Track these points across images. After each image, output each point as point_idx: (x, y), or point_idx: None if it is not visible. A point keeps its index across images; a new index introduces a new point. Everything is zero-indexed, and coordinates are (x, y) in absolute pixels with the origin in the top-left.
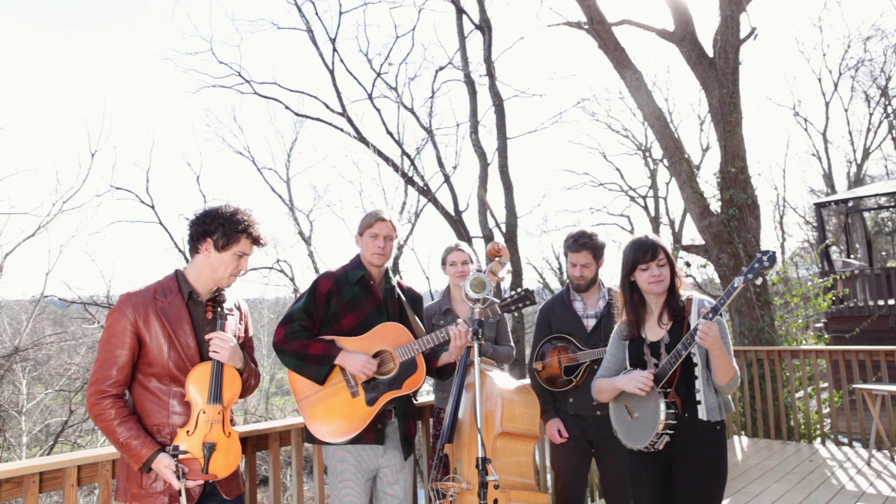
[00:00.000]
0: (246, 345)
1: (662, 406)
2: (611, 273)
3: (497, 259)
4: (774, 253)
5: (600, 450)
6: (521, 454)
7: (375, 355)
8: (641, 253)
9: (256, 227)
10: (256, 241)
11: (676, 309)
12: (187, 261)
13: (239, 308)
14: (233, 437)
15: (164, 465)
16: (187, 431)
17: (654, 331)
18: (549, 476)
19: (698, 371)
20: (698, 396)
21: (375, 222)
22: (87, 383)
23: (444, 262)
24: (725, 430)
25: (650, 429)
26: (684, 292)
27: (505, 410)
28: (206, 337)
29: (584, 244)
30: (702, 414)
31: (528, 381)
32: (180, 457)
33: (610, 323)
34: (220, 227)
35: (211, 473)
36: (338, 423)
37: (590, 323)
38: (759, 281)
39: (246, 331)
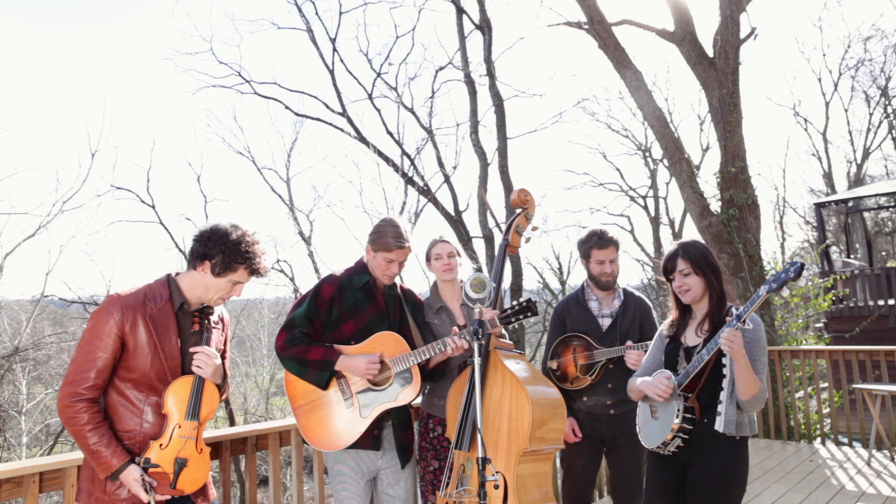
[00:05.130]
0: (223, 356)
1: (679, 409)
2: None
3: (523, 212)
4: (802, 265)
5: (612, 448)
6: (544, 474)
7: None
8: (665, 263)
9: (258, 259)
10: (255, 272)
11: (720, 320)
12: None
13: (222, 319)
14: (204, 454)
15: (133, 477)
16: (160, 444)
17: (693, 336)
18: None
19: (725, 383)
20: (719, 408)
21: (395, 250)
22: (62, 383)
23: (428, 257)
24: (747, 442)
25: (665, 430)
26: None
27: (535, 422)
28: (191, 350)
29: (611, 240)
30: (718, 425)
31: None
32: (150, 470)
33: (625, 322)
34: (220, 254)
35: (178, 489)
36: (332, 433)
37: (605, 322)
38: (785, 293)
39: (225, 342)
